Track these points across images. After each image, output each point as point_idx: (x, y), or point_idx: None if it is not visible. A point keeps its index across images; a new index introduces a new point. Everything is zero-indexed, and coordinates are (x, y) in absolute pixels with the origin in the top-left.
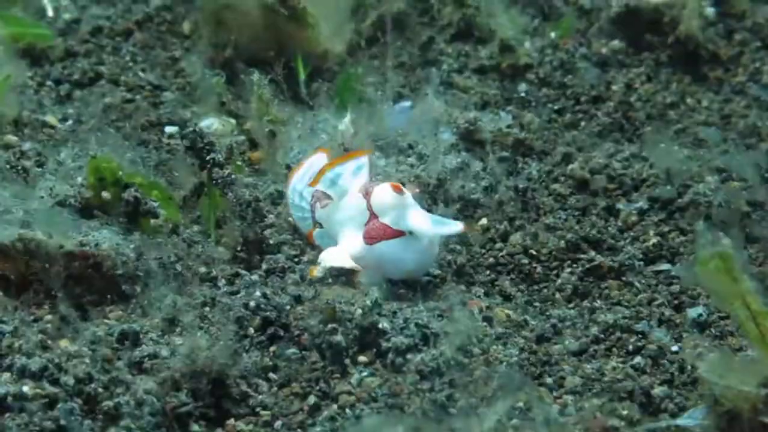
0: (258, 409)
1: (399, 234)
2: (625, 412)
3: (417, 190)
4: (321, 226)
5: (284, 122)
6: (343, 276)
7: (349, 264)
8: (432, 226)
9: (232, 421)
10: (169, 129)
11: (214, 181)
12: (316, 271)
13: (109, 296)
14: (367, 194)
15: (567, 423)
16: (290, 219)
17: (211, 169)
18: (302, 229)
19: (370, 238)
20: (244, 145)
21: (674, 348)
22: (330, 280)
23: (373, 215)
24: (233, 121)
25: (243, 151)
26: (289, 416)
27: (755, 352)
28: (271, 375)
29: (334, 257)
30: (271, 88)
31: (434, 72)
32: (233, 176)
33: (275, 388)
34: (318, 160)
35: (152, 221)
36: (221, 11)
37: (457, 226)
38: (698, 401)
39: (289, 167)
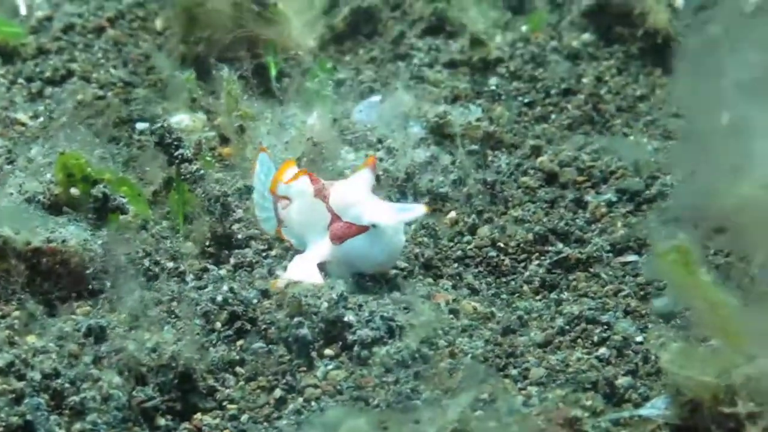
0: (225, 403)
1: (363, 230)
2: (588, 403)
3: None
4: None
5: (253, 117)
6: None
7: (315, 279)
8: (395, 215)
9: (198, 415)
10: (140, 125)
11: (182, 177)
12: (279, 283)
13: (76, 292)
14: (324, 197)
15: (530, 414)
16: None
17: (180, 165)
18: (266, 228)
19: (337, 239)
20: (214, 141)
21: (639, 339)
22: None
23: (335, 216)
24: (204, 116)
25: (214, 146)
26: (256, 410)
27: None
28: (238, 369)
29: (297, 273)
30: (242, 83)
31: (403, 66)
32: (201, 172)
33: (242, 382)
34: (262, 160)
35: (121, 217)
36: (193, 7)
37: (419, 210)
38: (661, 391)
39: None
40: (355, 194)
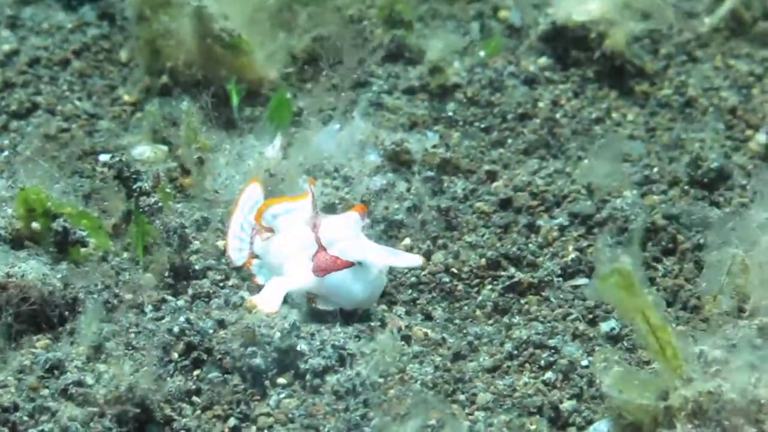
0: None
1: (348, 265)
2: (533, 427)
3: (368, 221)
4: (257, 257)
5: (212, 149)
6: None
7: (270, 307)
8: (385, 256)
9: None
10: (102, 157)
11: (141, 209)
12: (253, 301)
13: (36, 325)
14: (315, 227)
15: None
16: (228, 250)
17: (138, 198)
18: (234, 259)
19: (321, 270)
20: (176, 172)
21: (584, 362)
22: None
23: (321, 247)
24: (165, 148)
25: (175, 177)
26: None
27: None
28: (195, 398)
29: (272, 288)
30: (203, 115)
31: (362, 94)
32: (159, 204)
33: (198, 411)
34: (253, 191)
35: (82, 250)
36: (157, 39)
37: (414, 260)
38: (604, 415)
39: (218, 194)
40: (347, 230)
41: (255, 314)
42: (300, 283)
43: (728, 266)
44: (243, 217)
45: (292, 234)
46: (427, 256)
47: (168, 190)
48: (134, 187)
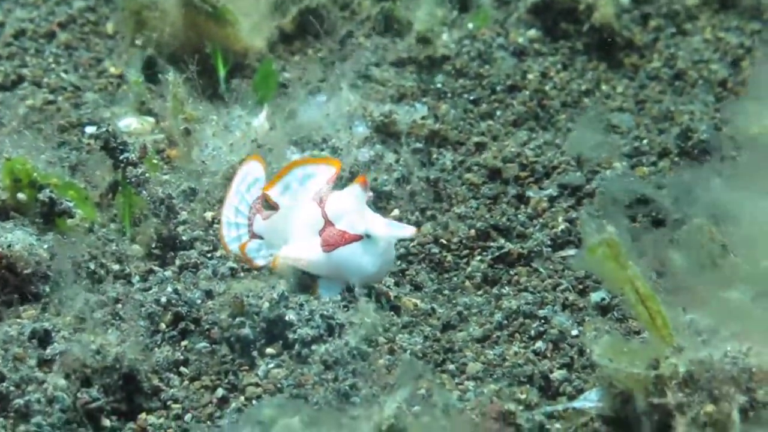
0: (169, 403)
1: (356, 238)
2: (523, 396)
3: (370, 194)
4: (259, 238)
5: (199, 120)
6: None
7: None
8: (389, 228)
9: (143, 415)
10: (88, 129)
11: (127, 180)
12: (279, 262)
13: (22, 296)
14: (321, 202)
15: (465, 409)
16: (224, 244)
17: (125, 169)
18: (230, 245)
19: (328, 245)
20: (163, 143)
21: (575, 332)
22: (242, 274)
23: (328, 222)
24: (152, 119)
25: (162, 149)
26: (199, 409)
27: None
28: (183, 369)
29: (295, 252)
30: (189, 86)
31: (349, 66)
32: (146, 175)
33: (186, 382)
34: (252, 168)
35: (68, 221)
36: (142, 10)
37: (410, 230)
38: (595, 384)
39: (205, 165)
40: (353, 204)
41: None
42: (308, 257)
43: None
44: (239, 198)
45: (298, 210)
46: (416, 227)
47: (155, 161)
48: (121, 158)
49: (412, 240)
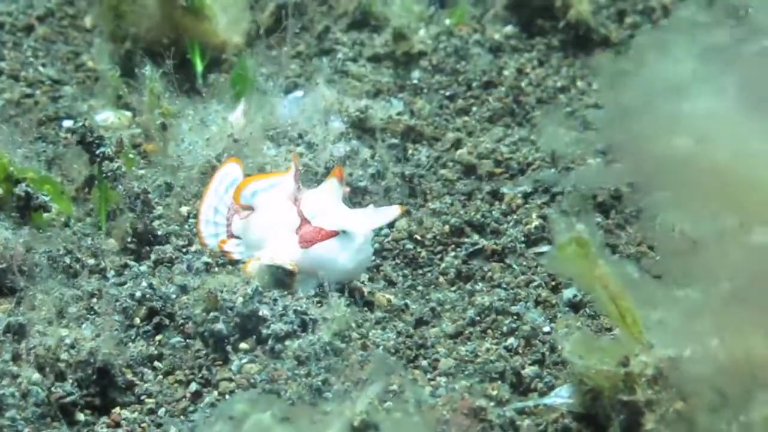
0: (143, 397)
1: (332, 234)
2: (494, 393)
3: (347, 189)
4: (237, 238)
5: (175, 114)
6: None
7: (285, 261)
8: (366, 222)
9: (117, 409)
10: (66, 123)
11: (103, 175)
12: (249, 267)
13: None
14: (296, 201)
15: (437, 404)
16: (201, 238)
17: (101, 163)
18: (209, 243)
19: (305, 242)
20: (140, 138)
21: (546, 329)
22: (216, 270)
23: (305, 220)
24: (129, 114)
25: (139, 143)
26: (173, 403)
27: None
28: (157, 363)
29: (274, 254)
30: (166, 80)
31: (326, 61)
32: (122, 169)
33: (160, 376)
34: (230, 169)
35: (44, 215)
36: (120, 4)
37: (393, 211)
38: (566, 380)
39: (181, 160)
40: (327, 200)
41: (260, 280)
42: (286, 258)
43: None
44: (218, 199)
45: (274, 210)
46: (390, 223)
47: (131, 156)
48: (97, 152)
49: (389, 231)
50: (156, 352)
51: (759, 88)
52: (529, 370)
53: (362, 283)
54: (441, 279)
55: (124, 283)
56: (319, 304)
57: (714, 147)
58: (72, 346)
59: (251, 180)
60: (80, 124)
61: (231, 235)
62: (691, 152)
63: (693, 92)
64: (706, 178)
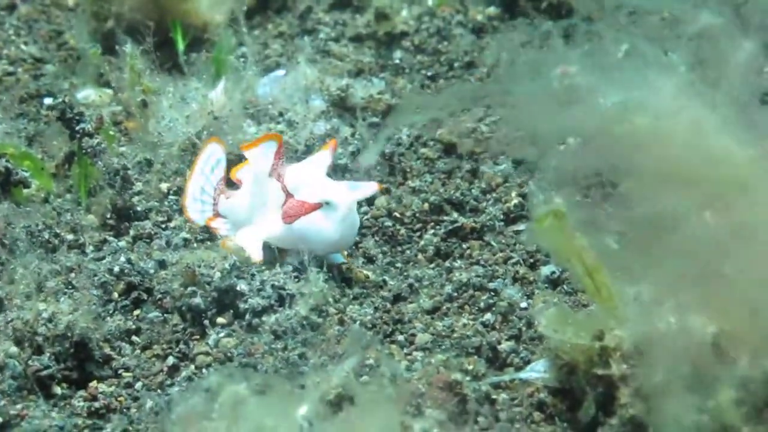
0: (120, 371)
1: (316, 207)
2: (470, 367)
3: (330, 164)
4: (223, 218)
5: (156, 92)
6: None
7: (254, 253)
8: (347, 193)
9: (94, 383)
10: (47, 101)
11: (83, 151)
12: (229, 243)
13: None
14: (279, 176)
15: (412, 378)
16: (187, 214)
17: (81, 139)
18: (195, 219)
19: (289, 217)
20: (121, 115)
21: (524, 304)
22: (195, 245)
23: (289, 195)
24: (110, 91)
25: (120, 120)
26: (150, 377)
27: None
28: (134, 338)
29: (248, 237)
30: (147, 58)
31: (308, 40)
32: (102, 145)
33: (138, 351)
34: (213, 150)
35: (24, 191)
36: None
37: (371, 187)
38: (542, 355)
39: (161, 137)
40: (309, 173)
41: (238, 256)
42: (269, 231)
43: None
44: (204, 178)
45: (257, 188)
46: (370, 200)
47: (111, 133)
48: (77, 128)
49: (368, 209)
50: (134, 326)
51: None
52: (505, 345)
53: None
54: (420, 256)
55: (103, 258)
56: (296, 279)
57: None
58: (50, 320)
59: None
60: (60, 100)
61: (217, 215)
62: (651, 131)
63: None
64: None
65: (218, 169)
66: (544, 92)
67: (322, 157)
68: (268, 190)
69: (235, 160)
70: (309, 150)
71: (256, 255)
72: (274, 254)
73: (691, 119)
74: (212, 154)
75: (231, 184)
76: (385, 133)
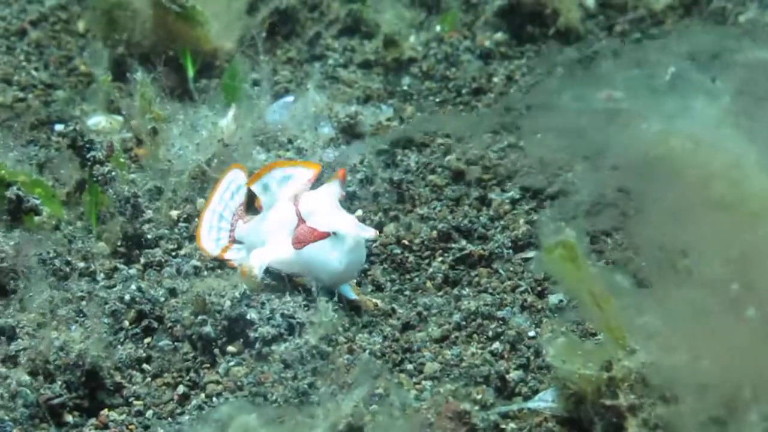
0: (131, 399)
1: (324, 235)
2: (478, 396)
3: (343, 192)
4: (239, 243)
5: (166, 119)
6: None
7: (265, 260)
8: (355, 227)
9: (105, 411)
10: (58, 127)
11: (94, 178)
12: (245, 268)
13: None
14: (296, 200)
15: (421, 408)
16: (201, 244)
17: (92, 167)
18: (209, 249)
19: (298, 242)
20: (131, 142)
21: (532, 333)
22: (206, 273)
23: (301, 220)
24: (120, 118)
25: (130, 147)
26: (160, 406)
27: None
28: (145, 366)
29: (256, 256)
30: (157, 85)
31: (317, 66)
32: (113, 173)
33: (149, 379)
34: (235, 176)
35: (35, 218)
36: (113, 9)
37: (370, 232)
38: (550, 384)
39: (171, 164)
40: (322, 201)
41: (244, 280)
42: (280, 255)
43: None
44: (223, 205)
45: (275, 211)
46: (379, 228)
47: (122, 160)
48: (88, 156)
49: (374, 241)
50: (144, 354)
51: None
52: (513, 375)
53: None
54: (428, 284)
55: (114, 285)
56: (306, 308)
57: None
58: (61, 348)
59: (273, 166)
60: (71, 128)
61: (233, 240)
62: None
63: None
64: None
65: (238, 195)
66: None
67: (332, 188)
68: (285, 214)
69: None
70: (318, 178)
71: (256, 271)
72: (284, 283)
73: (730, 151)
74: (233, 181)
75: (250, 209)
76: (393, 160)
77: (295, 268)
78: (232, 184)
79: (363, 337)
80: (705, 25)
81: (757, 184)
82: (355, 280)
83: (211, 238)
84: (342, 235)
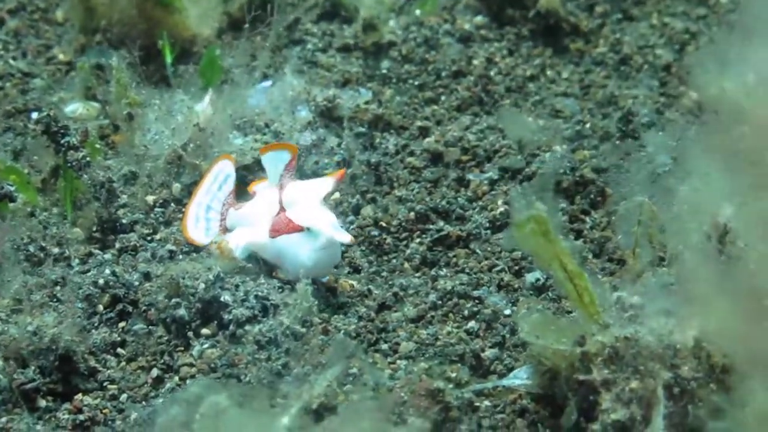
0: (105, 384)
1: (299, 229)
2: (453, 375)
3: (331, 193)
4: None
5: (142, 105)
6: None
7: (243, 240)
8: (329, 227)
9: (79, 396)
10: (35, 115)
11: (69, 164)
12: (225, 248)
13: None
14: (281, 188)
15: (395, 387)
16: (187, 233)
17: (66, 153)
18: (200, 241)
19: (273, 231)
20: (108, 129)
21: (507, 312)
22: (181, 257)
23: (282, 208)
24: (97, 105)
25: (107, 134)
26: (135, 389)
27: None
28: (120, 350)
29: (235, 235)
30: (133, 71)
31: (296, 51)
32: (88, 159)
33: (123, 363)
34: (224, 166)
35: (10, 205)
36: None
37: (346, 237)
38: (525, 362)
39: (147, 149)
40: (306, 194)
41: (220, 257)
42: (256, 238)
43: (638, 215)
44: (211, 196)
45: (264, 195)
46: (356, 210)
47: (97, 146)
48: (62, 142)
49: (354, 218)
50: (119, 338)
51: None
52: (488, 353)
53: None
54: (406, 265)
55: (88, 270)
56: (281, 290)
57: None
58: (34, 333)
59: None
60: (45, 113)
61: (225, 230)
62: None
63: None
64: None
65: (226, 185)
66: None
67: (324, 183)
68: (271, 199)
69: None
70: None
71: (236, 252)
72: (259, 266)
73: None
74: (221, 171)
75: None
76: (371, 142)
77: (267, 254)
78: (220, 175)
79: (338, 318)
80: (687, 6)
81: None
82: None
83: (198, 228)
84: (316, 231)
